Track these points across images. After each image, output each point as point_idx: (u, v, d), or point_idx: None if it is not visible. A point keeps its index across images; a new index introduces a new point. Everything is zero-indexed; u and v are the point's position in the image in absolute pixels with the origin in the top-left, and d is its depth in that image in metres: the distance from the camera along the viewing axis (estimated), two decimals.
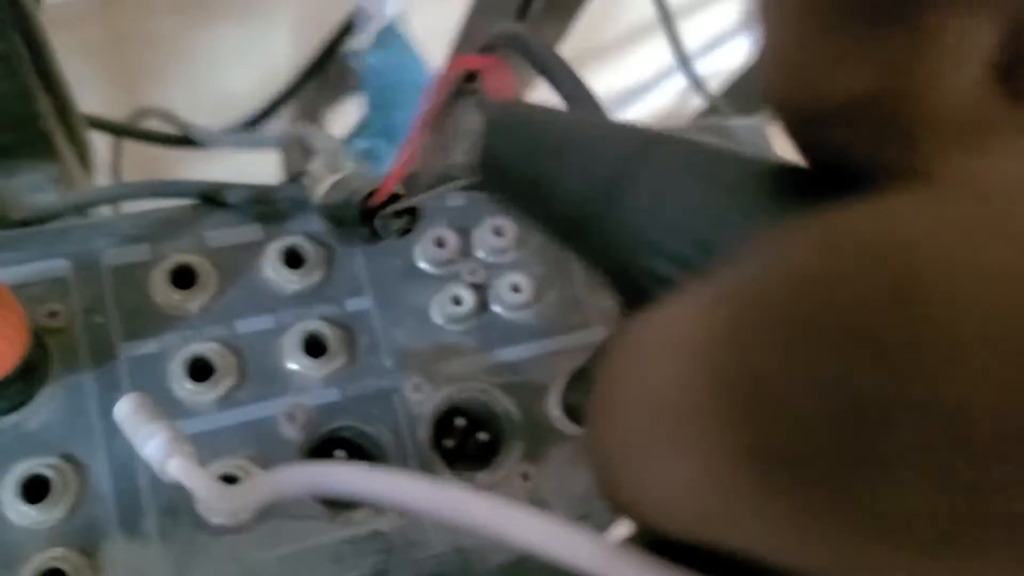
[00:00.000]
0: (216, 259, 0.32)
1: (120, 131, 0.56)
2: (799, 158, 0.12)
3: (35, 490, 0.27)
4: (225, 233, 0.32)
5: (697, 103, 0.94)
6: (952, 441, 0.07)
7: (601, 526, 0.30)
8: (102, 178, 0.54)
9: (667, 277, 0.12)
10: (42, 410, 0.28)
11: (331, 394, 0.31)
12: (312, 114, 0.69)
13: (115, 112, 0.57)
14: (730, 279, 0.10)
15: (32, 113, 0.34)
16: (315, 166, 0.30)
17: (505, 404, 0.32)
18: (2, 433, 0.28)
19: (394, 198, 0.24)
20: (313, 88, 0.65)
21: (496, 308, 0.34)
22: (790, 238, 0.09)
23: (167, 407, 0.29)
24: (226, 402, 0.30)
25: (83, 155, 0.41)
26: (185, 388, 0.30)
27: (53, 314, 0.29)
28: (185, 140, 0.55)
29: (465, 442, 0.32)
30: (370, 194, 0.24)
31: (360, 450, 0.31)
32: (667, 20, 0.64)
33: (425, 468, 0.31)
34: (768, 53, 0.11)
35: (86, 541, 0.27)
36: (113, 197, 0.36)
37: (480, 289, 0.34)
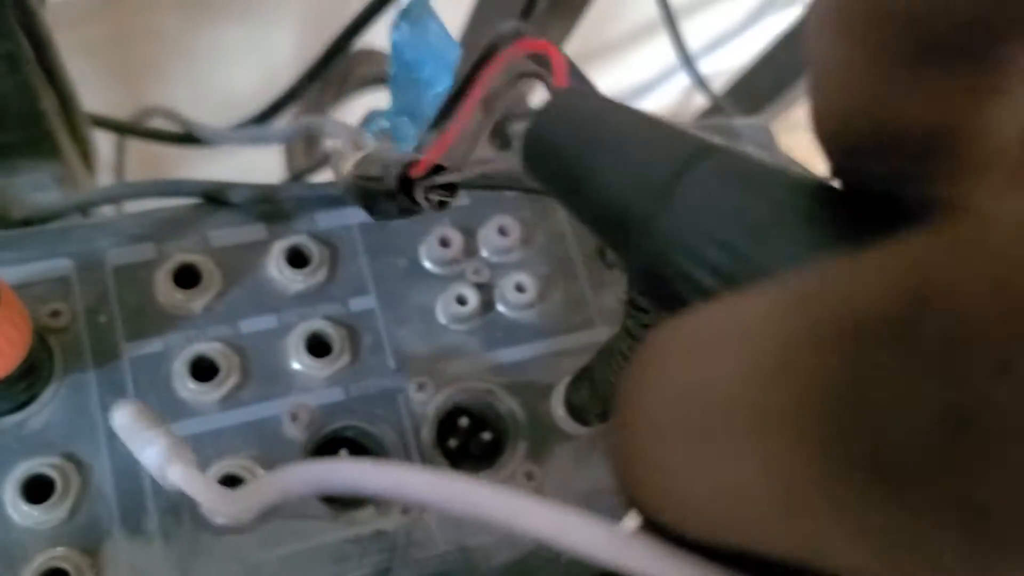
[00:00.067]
0: (220, 259, 0.32)
1: (123, 129, 0.56)
2: (822, 169, 0.12)
3: (37, 490, 0.27)
4: (229, 232, 0.32)
5: (700, 102, 0.94)
6: None
7: None
8: (105, 177, 0.54)
9: (703, 284, 0.13)
10: (45, 410, 0.28)
11: (335, 394, 0.31)
12: (316, 113, 0.69)
13: (118, 111, 0.57)
14: (809, 283, 0.09)
15: (36, 112, 0.34)
16: (337, 144, 0.29)
17: (509, 404, 0.32)
18: (4, 433, 0.28)
19: (436, 170, 0.24)
20: (317, 86, 0.65)
21: (500, 308, 0.34)
22: (877, 253, 0.09)
23: (170, 407, 0.29)
24: (229, 402, 0.30)
25: (86, 154, 0.41)
26: (188, 388, 0.30)
27: (56, 314, 0.29)
28: (189, 138, 0.55)
29: (469, 442, 0.32)
30: (411, 164, 0.24)
31: (364, 450, 0.31)
32: (670, 19, 0.64)
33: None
34: (825, 81, 0.11)
35: (88, 541, 0.27)
36: (116, 196, 0.36)
37: (484, 289, 0.33)
